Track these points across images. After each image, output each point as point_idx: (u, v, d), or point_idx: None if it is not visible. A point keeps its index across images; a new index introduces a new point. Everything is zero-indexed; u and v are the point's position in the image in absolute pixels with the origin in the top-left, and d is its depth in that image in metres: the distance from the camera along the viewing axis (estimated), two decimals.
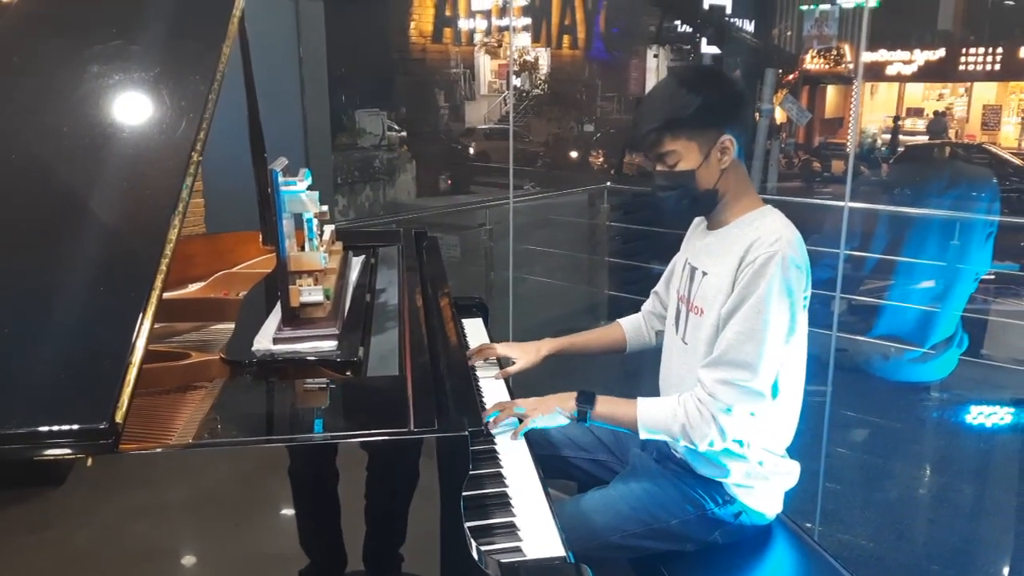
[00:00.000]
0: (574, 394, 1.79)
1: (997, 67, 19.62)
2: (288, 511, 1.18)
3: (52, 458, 1.10)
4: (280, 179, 1.51)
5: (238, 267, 2.19)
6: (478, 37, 17.96)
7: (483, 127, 16.58)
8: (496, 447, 1.67)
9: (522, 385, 2.04)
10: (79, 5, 1.68)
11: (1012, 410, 4.41)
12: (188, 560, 1.18)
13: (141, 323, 1.19)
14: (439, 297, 2.04)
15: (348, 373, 1.46)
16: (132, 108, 1.48)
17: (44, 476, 1.13)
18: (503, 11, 16.84)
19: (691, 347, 1.78)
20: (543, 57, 18.77)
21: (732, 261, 1.66)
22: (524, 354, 2.05)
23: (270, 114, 2.20)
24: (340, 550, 1.18)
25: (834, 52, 18.89)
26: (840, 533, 3.18)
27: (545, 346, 2.07)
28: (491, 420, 1.74)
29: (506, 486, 1.52)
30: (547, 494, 1.52)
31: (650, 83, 18.16)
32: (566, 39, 19.36)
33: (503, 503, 1.47)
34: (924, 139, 18.95)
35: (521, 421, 1.76)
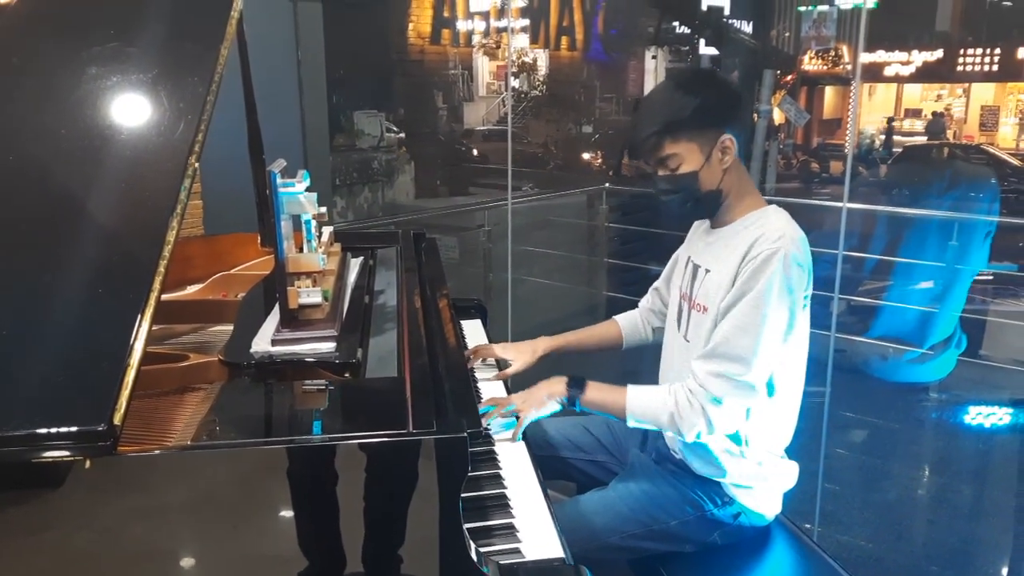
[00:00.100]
0: (564, 379, 1.80)
1: (995, 68, 19.65)
2: (287, 513, 1.18)
3: (51, 460, 1.10)
4: (278, 180, 1.51)
5: (236, 269, 2.19)
6: (476, 38, 17.96)
7: (481, 128, 16.58)
8: (495, 448, 1.67)
9: (521, 385, 2.04)
10: (77, 6, 1.68)
11: (1011, 410, 4.41)
12: (187, 562, 1.18)
13: (139, 325, 1.19)
14: (438, 298, 2.04)
15: (347, 375, 1.46)
16: (130, 110, 1.48)
17: (43, 478, 1.13)
18: (501, 12, 16.84)
19: (693, 344, 1.78)
20: (541, 58, 18.77)
21: (735, 258, 1.66)
22: (520, 355, 2.05)
23: (268, 116, 2.20)
24: (339, 552, 1.17)
25: (832, 53, 18.90)
26: (839, 534, 3.18)
27: (541, 345, 2.07)
28: (487, 413, 1.74)
29: (505, 487, 1.52)
30: (546, 495, 1.52)
31: (648, 84, 18.17)
32: (564, 40, 19.35)
33: (502, 504, 1.47)
34: (922, 140, 18.98)
35: (517, 418, 1.76)
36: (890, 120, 19.32)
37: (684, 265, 1.87)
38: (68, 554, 1.14)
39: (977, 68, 19.89)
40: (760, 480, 1.78)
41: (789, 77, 18.35)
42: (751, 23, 17.26)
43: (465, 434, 1.21)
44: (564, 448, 2.01)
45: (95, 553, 1.14)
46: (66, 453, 1.10)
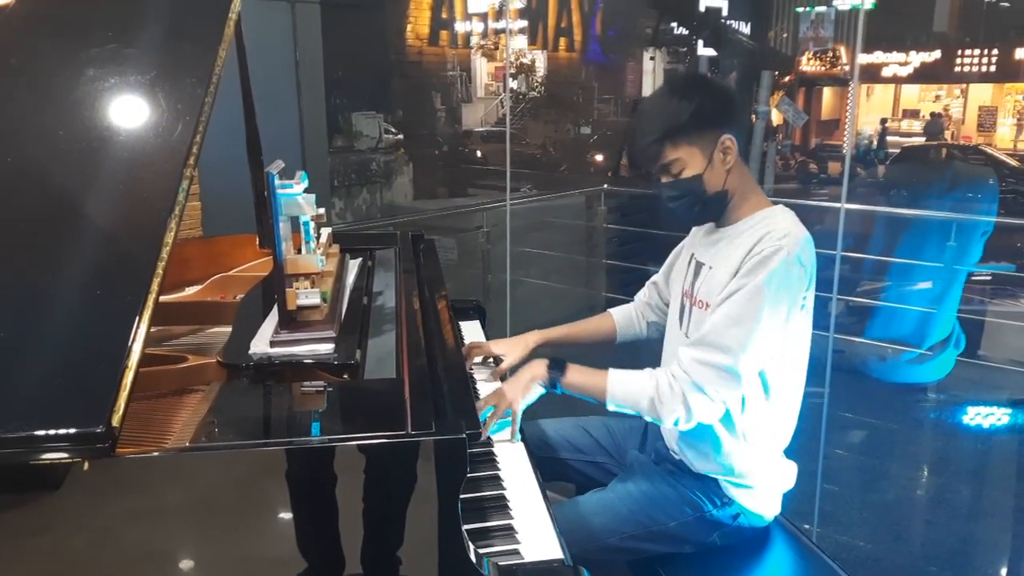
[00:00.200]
0: (545, 361, 1.79)
1: (992, 69, 19.69)
2: (285, 514, 1.17)
3: (49, 462, 1.10)
4: (276, 182, 1.51)
5: (235, 270, 2.18)
6: (474, 40, 17.98)
7: (480, 130, 16.59)
8: (494, 449, 1.66)
9: None
10: (75, 7, 1.68)
11: (1009, 411, 4.41)
12: (185, 564, 1.17)
13: (138, 326, 1.19)
14: (436, 300, 2.04)
15: (345, 376, 1.46)
16: (128, 111, 1.48)
17: (41, 480, 1.13)
18: (499, 14, 16.87)
19: None
20: (539, 59, 18.80)
21: (740, 255, 1.66)
22: (512, 349, 2.04)
23: (266, 117, 2.20)
24: (338, 553, 1.17)
25: (830, 54, 18.92)
26: (838, 534, 3.18)
27: (532, 338, 2.06)
28: (486, 419, 1.74)
29: (504, 488, 1.52)
30: (545, 496, 1.52)
31: (646, 85, 18.20)
32: (562, 41, 19.38)
33: (501, 506, 1.46)
34: (919, 140, 19.00)
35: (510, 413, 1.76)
36: (883, 121, 19.32)
37: (687, 262, 1.87)
38: (67, 556, 1.13)
39: (975, 69, 19.93)
40: (759, 480, 1.78)
41: (787, 78, 18.35)
42: (749, 24, 17.28)
43: (464, 435, 1.20)
44: (563, 449, 2.01)
45: (94, 555, 1.14)
46: (64, 455, 1.10)
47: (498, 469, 1.59)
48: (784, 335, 1.66)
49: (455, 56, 17.61)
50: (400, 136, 13.11)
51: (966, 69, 20.06)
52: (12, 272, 1.31)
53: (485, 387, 1.99)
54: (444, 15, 16.99)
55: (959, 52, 19.96)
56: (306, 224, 1.62)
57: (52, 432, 1.09)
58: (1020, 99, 20.74)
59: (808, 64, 19.22)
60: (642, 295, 2.12)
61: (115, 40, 1.56)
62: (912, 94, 22.68)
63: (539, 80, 18.47)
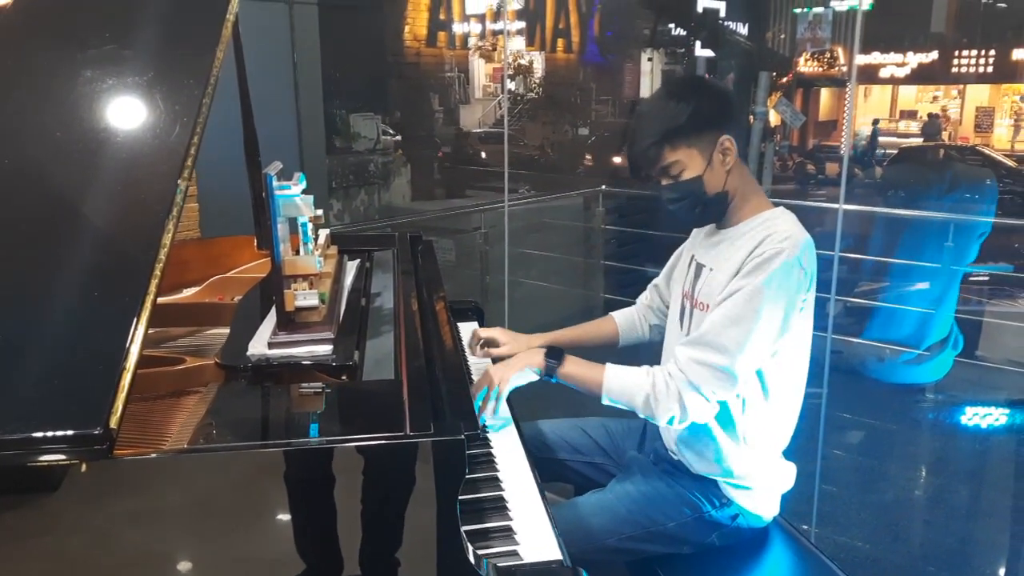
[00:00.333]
0: (542, 350, 1.79)
1: (990, 69, 19.71)
2: (284, 516, 1.17)
3: (46, 464, 1.10)
4: (274, 183, 1.51)
5: (233, 272, 2.18)
6: (472, 41, 17.97)
7: (478, 131, 16.59)
8: (492, 451, 1.66)
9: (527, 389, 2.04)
10: (73, 8, 1.68)
11: (1007, 411, 4.42)
12: (184, 566, 1.17)
13: (135, 328, 1.19)
14: (434, 301, 2.04)
15: (343, 377, 1.46)
16: (126, 112, 1.48)
17: (38, 482, 1.12)
18: (497, 15, 16.86)
19: None
20: (537, 61, 18.78)
21: (740, 256, 1.66)
22: (515, 340, 2.03)
23: (264, 118, 2.20)
24: (336, 555, 1.17)
25: (828, 55, 18.92)
26: (836, 535, 3.18)
27: (536, 339, 2.06)
28: (480, 405, 1.74)
29: (502, 490, 1.52)
30: (543, 497, 1.52)
31: (644, 86, 18.19)
32: (560, 43, 19.38)
33: (499, 507, 1.46)
34: (916, 141, 19.00)
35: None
36: (875, 121, 19.30)
37: (687, 264, 1.87)
38: (64, 558, 1.13)
39: (972, 69, 19.95)
40: (758, 481, 1.78)
41: (785, 79, 18.36)
42: (747, 25, 17.27)
43: (462, 436, 1.20)
44: (561, 450, 2.01)
45: (91, 557, 1.14)
46: (62, 457, 1.10)
47: (497, 470, 1.58)
48: (782, 337, 1.66)
49: (453, 57, 17.60)
50: (398, 137, 13.09)
51: (963, 70, 20.08)
52: (11, 272, 1.31)
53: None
54: (442, 16, 16.98)
55: (956, 53, 19.97)
56: (304, 225, 1.62)
57: (49, 434, 1.09)
58: (1017, 100, 20.76)
59: (806, 65, 19.22)
60: (643, 298, 2.12)
61: (113, 41, 1.56)
62: (909, 95, 22.69)
63: (537, 81, 18.46)
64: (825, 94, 21.93)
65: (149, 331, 1.22)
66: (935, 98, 22.30)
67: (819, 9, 18.20)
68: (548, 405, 1.93)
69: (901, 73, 20.81)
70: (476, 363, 2.11)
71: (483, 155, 14.05)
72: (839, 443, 3.97)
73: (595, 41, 19.82)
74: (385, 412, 1.34)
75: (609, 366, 1.74)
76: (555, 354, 1.77)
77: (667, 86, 1.87)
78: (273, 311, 1.55)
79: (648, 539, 1.77)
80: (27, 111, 1.49)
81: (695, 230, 1.93)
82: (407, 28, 16.24)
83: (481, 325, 2.42)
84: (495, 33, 17.46)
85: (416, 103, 15.74)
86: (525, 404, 1.92)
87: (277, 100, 3.65)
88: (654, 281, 2.10)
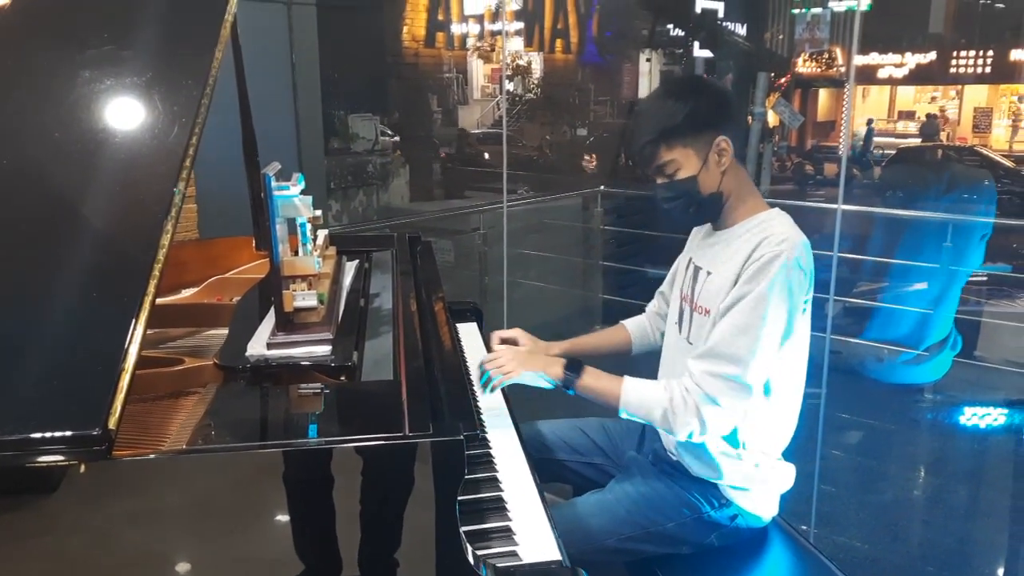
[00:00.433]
0: (562, 360, 1.78)
1: (988, 70, 19.73)
2: (282, 517, 1.17)
3: (45, 465, 1.10)
4: (273, 183, 1.51)
5: (231, 272, 2.18)
6: (471, 41, 17.97)
7: (476, 131, 16.58)
8: (491, 451, 1.66)
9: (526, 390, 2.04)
10: (72, 9, 1.68)
11: (1005, 411, 4.42)
12: (182, 567, 1.17)
13: (134, 329, 1.19)
14: (433, 301, 2.04)
15: (342, 378, 1.46)
16: (125, 113, 1.48)
17: (37, 483, 1.12)
18: (496, 15, 16.86)
19: (695, 347, 1.77)
20: (536, 61, 18.78)
21: (738, 260, 1.66)
22: (534, 343, 2.02)
23: (262, 119, 2.20)
24: (335, 555, 1.17)
25: (826, 55, 18.94)
26: (835, 535, 3.18)
27: (554, 347, 2.05)
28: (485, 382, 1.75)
29: (501, 490, 1.51)
30: (543, 498, 1.52)
31: (643, 87, 18.19)
32: (559, 43, 19.37)
33: (499, 507, 1.46)
34: (914, 142, 19.00)
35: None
36: (870, 121, 19.30)
37: (685, 267, 1.87)
38: (63, 558, 1.13)
39: (970, 70, 19.97)
40: (757, 482, 1.78)
41: (783, 80, 18.37)
42: (745, 26, 17.28)
43: (461, 437, 1.20)
44: (560, 451, 2.01)
45: (90, 558, 1.14)
46: (61, 458, 1.09)
47: (496, 471, 1.58)
48: (788, 339, 1.66)
49: (451, 58, 17.59)
50: (396, 138, 13.08)
51: (961, 70, 20.10)
52: (10, 272, 1.31)
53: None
54: (440, 17, 16.97)
55: (954, 53, 19.99)
56: (303, 226, 1.62)
57: (48, 435, 1.09)
58: (1015, 100, 20.78)
59: (804, 66, 19.24)
60: (652, 306, 2.12)
61: (111, 42, 1.56)
62: (908, 95, 22.71)
63: (535, 82, 18.45)
64: (823, 95, 21.95)
65: (148, 332, 1.22)
66: (933, 99, 22.33)
67: (817, 10, 18.23)
68: (547, 406, 1.93)
69: (899, 74, 20.83)
70: (475, 363, 2.11)
71: (486, 156, 14.03)
72: (838, 443, 3.97)
73: (593, 42, 19.81)
74: (384, 413, 1.34)
75: (626, 379, 1.74)
76: (574, 367, 1.76)
77: (666, 85, 1.88)
78: (272, 312, 1.55)
79: (647, 539, 1.77)
80: (27, 111, 1.49)
81: (693, 232, 1.93)
82: (405, 29, 16.23)
83: (480, 326, 2.43)
84: (493, 34, 17.45)
85: (414, 104, 15.73)
86: (524, 404, 1.92)
87: (275, 101, 3.65)
88: (660, 288, 2.09)
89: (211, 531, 1.17)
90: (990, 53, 19.50)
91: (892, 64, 20.61)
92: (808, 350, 1.76)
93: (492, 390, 1.77)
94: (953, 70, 20.18)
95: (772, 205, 1.78)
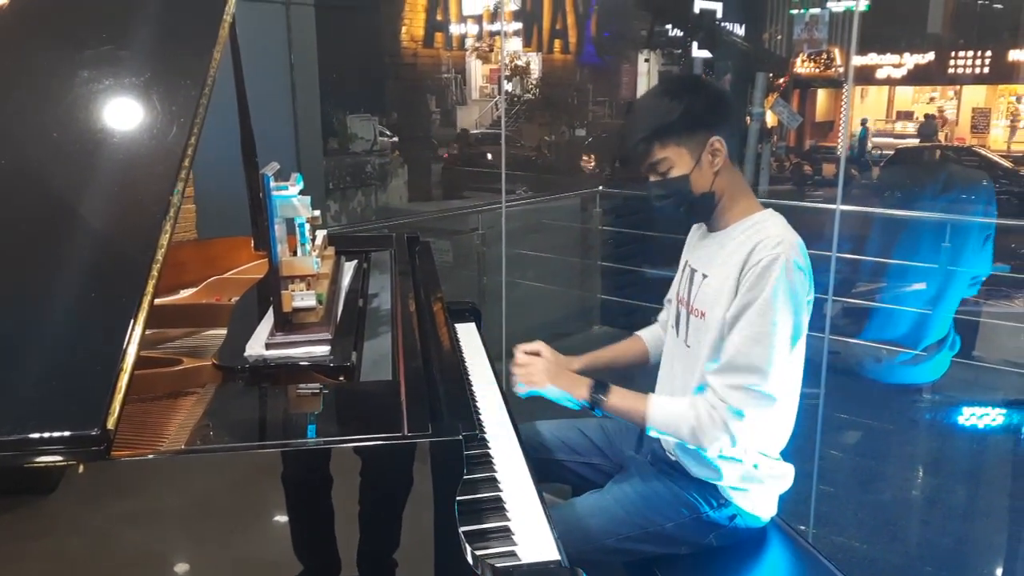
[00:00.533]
0: (588, 381, 1.78)
1: (986, 70, 19.74)
2: (281, 517, 1.17)
3: (43, 465, 1.10)
4: (272, 184, 1.51)
5: (230, 273, 2.18)
6: (469, 42, 17.97)
7: (475, 132, 16.59)
8: (490, 451, 1.66)
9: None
10: (70, 9, 1.68)
11: (1003, 411, 4.42)
12: (181, 567, 1.17)
13: (133, 329, 1.19)
14: (432, 302, 2.04)
15: (341, 378, 1.46)
16: (123, 113, 1.48)
17: (35, 483, 1.12)
18: (494, 16, 16.86)
19: (693, 350, 1.78)
20: (534, 62, 18.78)
21: (734, 264, 1.66)
22: (556, 357, 2.00)
23: (261, 119, 2.20)
24: (334, 556, 1.17)
25: (824, 56, 18.95)
26: (834, 535, 3.18)
27: (575, 362, 2.05)
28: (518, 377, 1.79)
29: (500, 490, 1.51)
30: (541, 498, 1.52)
31: (641, 87, 18.19)
32: (557, 43, 19.37)
33: (497, 507, 1.46)
34: (911, 142, 19.00)
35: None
36: (864, 122, 19.30)
37: (682, 270, 1.87)
38: (61, 559, 1.13)
39: (968, 70, 19.98)
40: (756, 482, 1.78)
41: (782, 80, 18.37)
42: (743, 26, 17.29)
43: (460, 437, 1.20)
44: (558, 451, 2.01)
45: (88, 558, 1.14)
46: (59, 458, 1.09)
47: (494, 471, 1.58)
48: (799, 339, 1.66)
49: (450, 58, 17.60)
50: (395, 139, 13.08)
51: (960, 71, 20.10)
52: (9, 272, 1.31)
53: (481, 390, 1.98)
54: (439, 17, 16.96)
55: (953, 54, 20.00)
56: (301, 226, 1.62)
57: (47, 435, 1.09)
58: (1013, 101, 20.79)
59: (802, 66, 19.25)
60: (662, 315, 2.11)
61: (110, 42, 1.56)
62: (906, 96, 22.73)
63: (534, 82, 18.46)
64: (822, 95, 21.96)
65: (146, 332, 1.22)
66: (932, 99, 22.35)
67: (816, 10, 18.24)
68: (546, 406, 1.92)
69: (898, 74, 20.84)
70: (474, 364, 2.11)
71: (489, 156, 14.03)
72: (836, 443, 3.97)
73: (592, 42, 19.82)
74: (383, 413, 1.34)
75: (652, 397, 1.75)
76: (600, 388, 1.77)
77: (663, 83, 1.89)
78: (270, 312, 1.55)
79: (646, 539, 1.77)
80: (26, 111, 1.49)
81: (690, 234, 1.94)
82: (404, 29, 16.23)
83: (478, 326, 2.43)
84: (492, 34, 17.46)
85: (413, 104, 15.73)
86: (523, 405, 1.92)
87: (274, 101, 3.65)
88: (667, 297, 2.10)
89: (210, 531, 1.17)
90: (988, 53, 19.51)
91: (890, 64, 20.62)
92: (806, 350, 1.77)
93: (522, 392, 1.79)
94: (951, 70, 20.19)
95: (772, 206, 1.78)
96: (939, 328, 4.82)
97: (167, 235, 1.30)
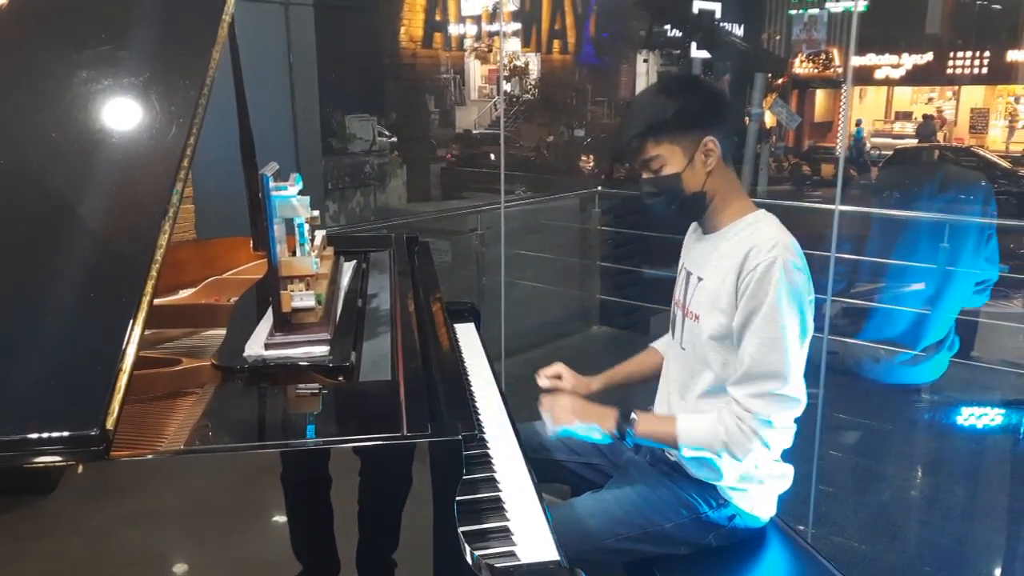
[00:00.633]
0: (614, 413, 1.78)
1: (984, 71, 19.73)
2: (280, 517, 1.17)
3: (43, 465, 1.10)
4: (271, 184, 1.51)
5: (229, 273, 2.18)
6: (468, 42, 17.97)
7: (474, 132, 16.59)
8: (489, 451, 1.66)
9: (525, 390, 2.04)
10: (68, 9, 1.68)
11: (1002, 411, 4.42)
12: (180, 567, 1.17)
13: (132, 329, 1.19)
14: (431, 302, 2.04)
15: (340, 378, 1.46)
16: (122, 113, 1.48)
17: (35, 483, 1.12)
18: (493, 16, 16.86)
19: (689, 352, 1.78)
20: (533, 62, 18.78)
21: (729, 268, 1.67)
22: (575, 378, 2.02)
23: (260, 119, 2.20)
24: (333, 556, 1.17)
25: (823, 56, 18.96)
26: (833, 535, 3.18)
27: (594, 382, 2.05)
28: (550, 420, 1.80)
29: (499, 490, 1.52)
30: (541, 498, 1.52)
31: (640, 88, 18.19)
32: (556, 44, 19.36)
33: (497, 507, 1.46)
34: (910, 142, 19.00)
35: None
36: (858, 122, 19.29)
37: (679, 272, 1.88)
38: (61, 559, 1.13)
39: (967, 71, 19.97)
40: (755, 483, 1.78)
41: (780, 80, 18.39)
42: (742, 26, 17.31)
43: (459, 437, 1.20)
44: (558, 451, 2.01)
45: (88, 558, 1.14)
46: (58, 458, 1.09)
47: (494, 471, 1.58)
48: (808, 337, 1.67)
49: (449, 59, 17.58)
50: (394, 139, 13.07)
51: (958, 71, 20.10)
52: (8, 273, 1.31)
53: (480, 390, 1.98)
54: (438, 17, 16.95)
55: (951, 54, 20.00)
56: (300, 226, 1.62)
57: (46, 435, 1.09)
58: (1012, 101, 20.80)
59: (801, 66, 19.26)
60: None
61: (108, 42, 1.56)
62: (905, 96, 22.73)
63: (533, 83, 18.45)
64: (821, 95, 21.95)
65: (146, 332, 1.22)
66: (930, 99, 22.34)
67: (814, 11, 18.25)
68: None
69: (896, 74, 20.83)
70: (473, 364, 2.11)
71: (492, 156, 14.02)
72: (836, 444, 3.97)
73: (591, 42, 19.81)
74: (382, 413, 1.34)
75: (679, 418, 1.74)
76: (627, 417, 1.76)
77: (661, 81, 1.90)
78: (269, 312, 1.55)
79: (645, 540, 1.77)
80: (26, 111, 1.49)
81: (687, 237, 1.94)
82: (403, 29, 16.22)
83: (478, 326, 2.43)
84: (491, 34, 17.45)
85: (412, 105, 15.72)
86: (523, 405, 1.92)
87: (273, 101, 3.64)
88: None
89: (209, 531, 1.17)
90: (987, 54, 19.51)
91: (889, 65, 20.61)
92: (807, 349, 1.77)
93: (553, 434, 1.81)
94: (950, 71, 20.18)
95: (770, 206, 1.78)
96: (938, 328, 4.82)
97: (166, 235, 1.30)
